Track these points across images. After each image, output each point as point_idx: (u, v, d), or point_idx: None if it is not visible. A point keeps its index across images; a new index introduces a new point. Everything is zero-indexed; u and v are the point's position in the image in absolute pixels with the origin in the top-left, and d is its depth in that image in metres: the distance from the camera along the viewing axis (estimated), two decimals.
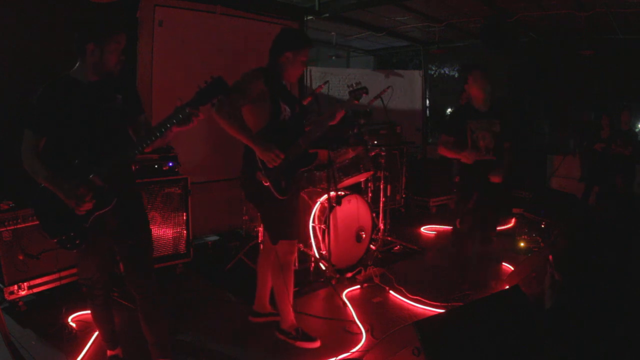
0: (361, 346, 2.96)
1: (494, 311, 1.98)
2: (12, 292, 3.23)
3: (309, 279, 3.94)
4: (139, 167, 3.83)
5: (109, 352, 2.65)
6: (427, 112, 8.71)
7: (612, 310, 1.40)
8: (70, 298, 3.26)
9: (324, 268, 3.96)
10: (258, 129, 2.73)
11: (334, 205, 3.89)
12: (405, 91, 8.20)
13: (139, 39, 4.32)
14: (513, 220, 5.54)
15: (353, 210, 4.14)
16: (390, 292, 3.73)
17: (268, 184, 2.67)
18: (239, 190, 3.08)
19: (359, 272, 4.02)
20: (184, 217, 4.06)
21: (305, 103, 4.20)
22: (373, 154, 4.68)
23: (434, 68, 9.54)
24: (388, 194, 4.84)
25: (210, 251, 4.85)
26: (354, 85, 3.05)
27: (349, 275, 4.01)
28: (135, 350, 2.71)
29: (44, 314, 3.24)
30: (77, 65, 2.21)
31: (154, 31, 4.41)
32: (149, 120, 2.49)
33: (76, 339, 2.95)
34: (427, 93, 8.60)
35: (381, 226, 4.80)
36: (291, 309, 2.99)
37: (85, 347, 2.83)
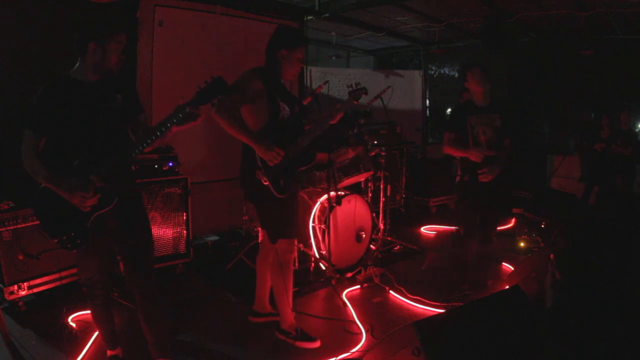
0: (361, 346, 2.96)
1: (494, 311, 1.99)
2: (12, 292, 3.23)
3: (309, 279, 3.94)
4: (139, 167, 3.83)
5: (109, 352, 2.65)
6: (427, 112, 8.71)
7: (612, 310, 1.40)
8: (70, 298, 3.26)
9: (324, 268, 3.96)
10: (257, 129, 2.73)
11: (334, 205, 3.89)
12: (405, 91, 8.21)
13: (139, 39, 4.32)
14: (513, 220, 5.54)
15: (353, 210, 4.14)
16: (390, 292, 3.73)
17: (267, 183, 2.68)
18: (239, 190, 3.08)
19: (359, 272, 4.02)
20: (184, 217, 4.06)
21: (305, 103, 4.21)
22: (373, 154, 4.68)
23: (434, 68, 9.55)
24: (388, 194, 4.84)
25: (210, 251, 4.85)
26: (354, 85, 3.05)
27: (349, 275, 4.01)
28: (135, 350, 2.71)
29: (44, 314, 3.24)
30: (77, 65, 2.21)
31: (154, 31, 4.41)
32: (149, 120, 2.49)
33: (76, 339, 2.95)
34: (427, 93, 8.61)
35: (381, 226, 4.80)
36: (290, 309, 2.99)
37: (85, 347, 2.83)
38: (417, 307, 3.51)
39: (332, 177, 3.78)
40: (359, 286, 3.85)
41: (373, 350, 2.81)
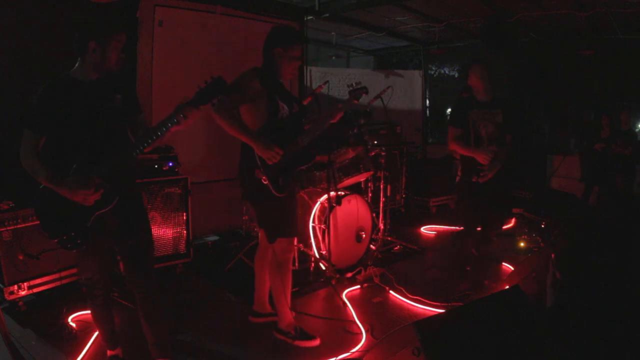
0: (361, 346, 2.96)
1: (494, 311, 1.99)
2: (12, 292, 3.23)
3: (309, 279, 3.94)
4: (139, 167, 3.82)
5: (109, 352, 2.65)
6: (427, 112, 8.71)
7: (612, 310, 1.40)
8: (70, 298, 3.26)
9: (324, 268, 3.96)
10: (256, 128, 2.73)
11: (334, 205, 3.89)
12: (405, 91, 8.21)
13: (139, 39, 4.32)
14: (513, 220, 5.54)
15: (353, 210, 4.14)
16: (390, 292, 3.73)
17: (266, 181, 2.68)
18: (239, 190, 3.08)
19: (359, 272, 4.02)
20: (184, 217, 4.06)
21: (305, 103, 4.21)
22: (373, 154, 4.68)
23: (434, 68, 9.53)
24: (388, 194, 4.83)
25: (210, 251, 4.85)
26: (354, 85, 3.06)
27: (349, 275, 4.01)
28: (135, 350, 2.71)
29: (44, 314, 3.24)
30: (77, 65, 2.21)
31: (154, 31, 4.41)
32: (150, 120, 2.49)
33: (76, 339, 2.95)
34: (427, 93, 8.61)
35: (381, 226, 4.80)
36: (289, 308, 2.99)
37: (85, 347, 2.83)
38: (417, 307, 3.51)
39: (332, 177, 3.78)
40: (359, 286, 3.85)
41: (373, 350, 2.81)
